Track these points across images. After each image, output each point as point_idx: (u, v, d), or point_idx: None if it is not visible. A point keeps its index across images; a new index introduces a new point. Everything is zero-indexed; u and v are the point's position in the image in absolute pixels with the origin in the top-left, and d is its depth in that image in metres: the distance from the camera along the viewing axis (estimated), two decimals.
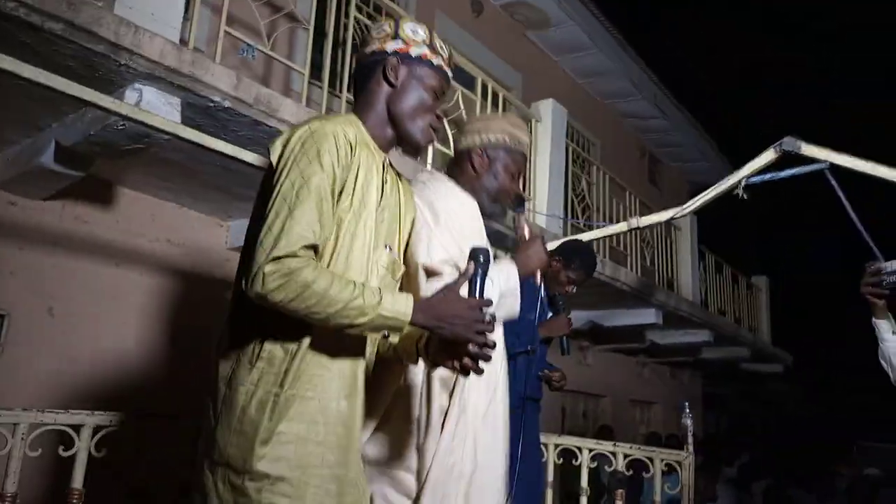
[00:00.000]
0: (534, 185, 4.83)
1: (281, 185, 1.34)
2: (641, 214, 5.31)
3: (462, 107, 3.98)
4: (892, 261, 2.43)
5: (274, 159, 1.40)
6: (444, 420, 1.74)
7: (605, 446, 3.23)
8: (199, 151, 2.66)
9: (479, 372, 1.42)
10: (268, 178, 1.43)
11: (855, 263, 2.57)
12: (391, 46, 1.56)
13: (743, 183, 2.92)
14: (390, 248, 1.60)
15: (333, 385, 1.40)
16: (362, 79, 1.59)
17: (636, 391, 8.84)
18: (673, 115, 9.29)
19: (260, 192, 1.46)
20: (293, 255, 1.27)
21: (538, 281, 2.04)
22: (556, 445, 3.25)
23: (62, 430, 2.17)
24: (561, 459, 3.27)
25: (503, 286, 1.80)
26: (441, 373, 1.77)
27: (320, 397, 1.38)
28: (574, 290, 3.00)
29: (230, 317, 1.44)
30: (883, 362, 2.60)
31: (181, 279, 3.71)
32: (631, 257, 6.14)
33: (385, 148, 1.59)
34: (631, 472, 3.14)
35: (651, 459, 3.08)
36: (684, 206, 3.13)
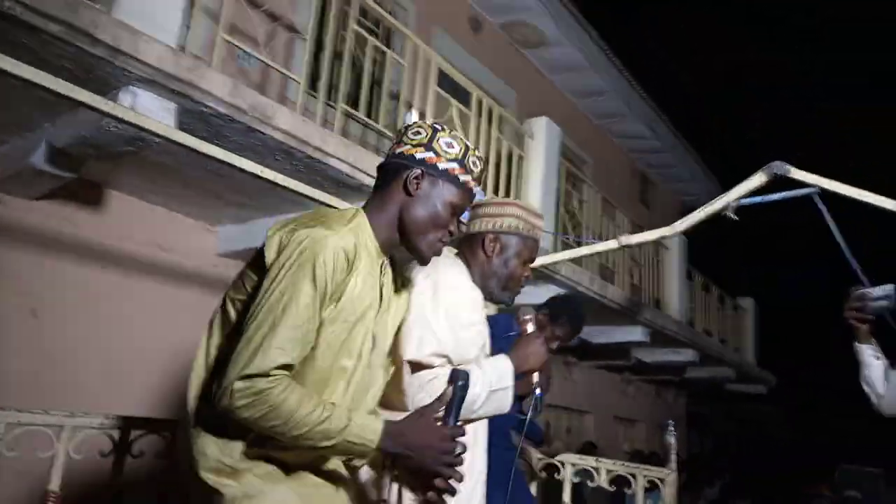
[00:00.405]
0: (526, 201, 4.85)
1: (270, 295, 1.30)
2: (631, 233, 5.36)
3: (457, 122, 4.01)
4: (877, 287, 2.46)
5: (269, 257, 1.35)
6: None
7: (588, 461, 3.23)
8: (191, 156, 2.66)
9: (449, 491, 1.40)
10: (260, 266, 1.38)
11: (841, 287, 2.60)
12: (420, 155, 1.49)
13: (733, 205, 2.95)
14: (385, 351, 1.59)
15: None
16: (384, 177, 1.53)
17: (621, 408, 8.86)
18: (665, 137, 9.39)
19: (243, 274, 1.45)
20: (265, 375, 1.26)
21: (534, 382, 1.99)
22: (539, 459, 3.25)
23: (41, 431, 2.15)
24: (544, 474, 3.27)
25: (494, 384, 1.77)
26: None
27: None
28: (556, 348, 2.95)
29: (193, 393, 1.42)
30: (865, 386, 2.62)
31: (169, 284, 3.69)
32: (619, 275, 6.18)
33: (387, 250, 1.53)
34: (614, 488, 3.13)
35: (633, 476, 3.08)
36: (673, 225, 3.16)
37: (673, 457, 3.02)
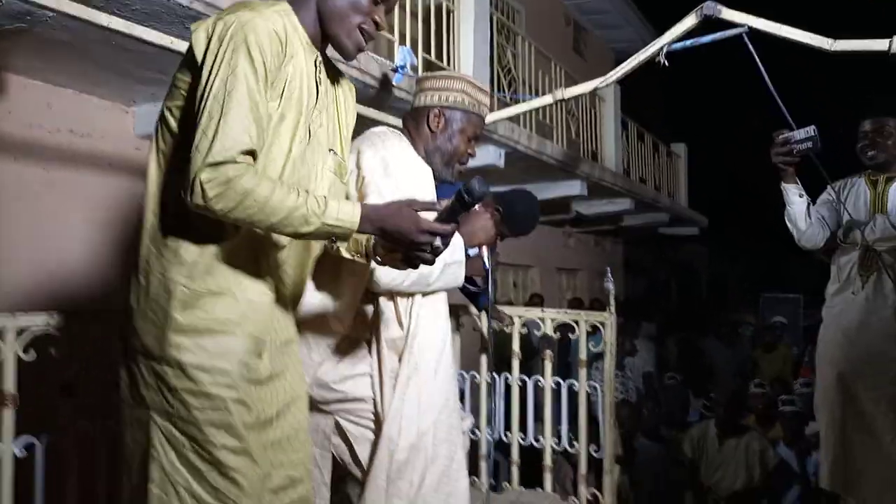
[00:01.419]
0: (458, 58, 4.68)
1: (211, 85, 1.25)
2: (567, 85, 5.29)
3: None
4: (800, 129, 2.53)
5: (198, 51, 1.29)
6: (396, 383, 1.81)
7: (534, 312, 3.40)
8: (90, 30, 2.41)
9: (425, 262, 1.43)
10: (190, 66, 1.32)
11: (768, 129, 2.67)
12: None
13: (664, 50, 2.92)
14: (334, 152, 1.54)
15: (256, 283, 1.40)
16: None
17: (563, 260, 9.23)
18: None
19: (178, 80, 1.36)
20: (231, 161, 1.21)
21: (484, 255, 2.02)
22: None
23: None
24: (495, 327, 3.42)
25: (448, 258, 1.78)
26: (390, 335, 1.83)
27: (237, 293, 1.37)
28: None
29: (150, 207, 1.38)
30: (789, 223, 2.78)
31: (88, 170, 3.50)
32: (557, 130, 6.17)
33: (318, 45, 1.46)
34: (559, 335, 3.32)
35: (577, 322, 3.26)
36: (607, 76, 3.12)
37: (612, 301, 3.19)
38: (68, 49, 2.84)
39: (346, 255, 1.61)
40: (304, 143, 1.42)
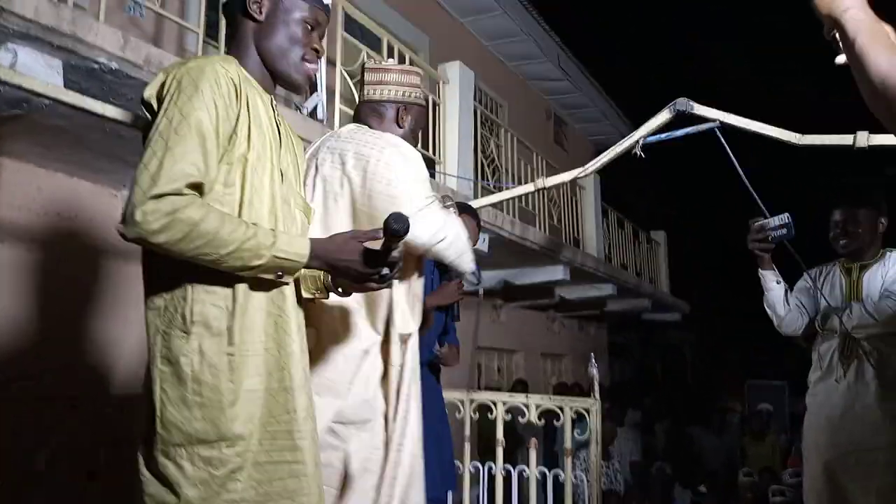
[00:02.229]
0: (443, 148, 4.84)
1: (158, 125, 1.25)
2: (548, 174, 5.45)
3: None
4: (775, 216, 2.62)
5: (153, 103, 1.31)
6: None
7: (518, 398, 3.36)
8: (85, 117, 2.48)
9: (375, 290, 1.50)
10: (146, 129, 1.33)
11: (744, 216, 2.75)
12: None
13: (640, 142, 3.04)
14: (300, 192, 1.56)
15: (279, 333, 1.37)
16: (228, 15, 1.49)
17: (547, 345, 9.17)
18: (576, 77, 9.49)
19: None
20: (177, 193, 1.19)
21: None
22: (472, 401, 3.34)
23: None
24: (477, 414, 3.37)
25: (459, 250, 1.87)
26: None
27: (269, 348, 1.34)
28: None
29: (148, 288, 1.34)
30: (768, 309, 2.83)
31: (74, 253, 3.50)
32: (539, 217, 6.30)
33: (269, 88, 1.49)
34: (543, 421, 3.27)
35: (561, 409, 3.22)
36: (586, 166, 3.23)
37: (596, 387, 3.17)
38: (62, 134, 2.91)
39: (305, 294, 1.57)
40: (279, 184, 1.42)
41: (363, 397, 1.77)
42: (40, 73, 2.28)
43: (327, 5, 1.54)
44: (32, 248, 3.34)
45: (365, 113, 1.99)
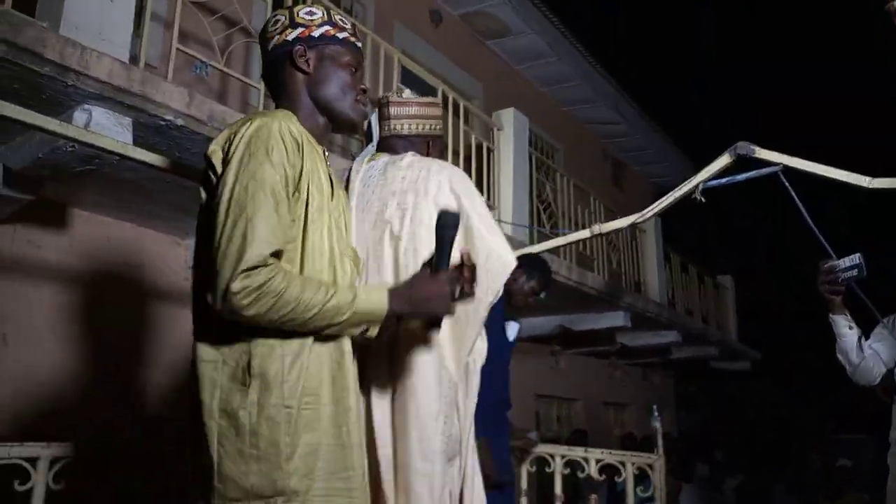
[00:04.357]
0: (498, 194, 4.85)
1: (232, 191, 1.26)
2: (606, 218, 5.36)
3: None
4: (845, 258, 2.49)
5: (217, 165, 1.33)
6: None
7: (577, 452, 3.24)
8: (152, 171, 2.60)
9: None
10: (207, 183, 1.36)
11: (814, 259, 2.63)
12: (292, 35, 1.50)
13: (700, 187, 2.96)
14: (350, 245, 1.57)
15: (336, 389, 1.36)
16: (274, 76, 1.53)
17: (609, 393, 8.90)
18: (633, 120, 9.43)
19: (203, 203, 1.38)
20: (263, 265, 1.21)
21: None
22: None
23: (17, 463, 2.10)
24: (534, 467, 3.26)
25: None
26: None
27: (326, 403, 1.33)
28: (534, 302, 3.08)
29: (196, 341, 1.33)
30: (840, 356, 2.66)
31: (141, 301, 3.63)
32: (598, 261, 6.19)
33: (320, 139, 1.53)
34: (603, 476, 3.14)
35: (623, 464, 3.09)
36: (644, 212, 3.16)
37: (660, 442, 3.03)
38: (131, 187, 3.05)
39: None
40: (335, 237, 1.44)
41: (450, 432, 1.71)
42: (112, 131, 2.41)
43: (360, 47, 1.60)
44: (101, 296, 3.48)
45: (394, 146, 1.98)
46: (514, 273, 1.76)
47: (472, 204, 1.72)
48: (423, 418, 1.61)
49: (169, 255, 3.79)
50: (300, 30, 1.50)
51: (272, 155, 1.29)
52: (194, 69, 2.90)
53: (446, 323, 1.63)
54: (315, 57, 1.50)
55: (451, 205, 1.69)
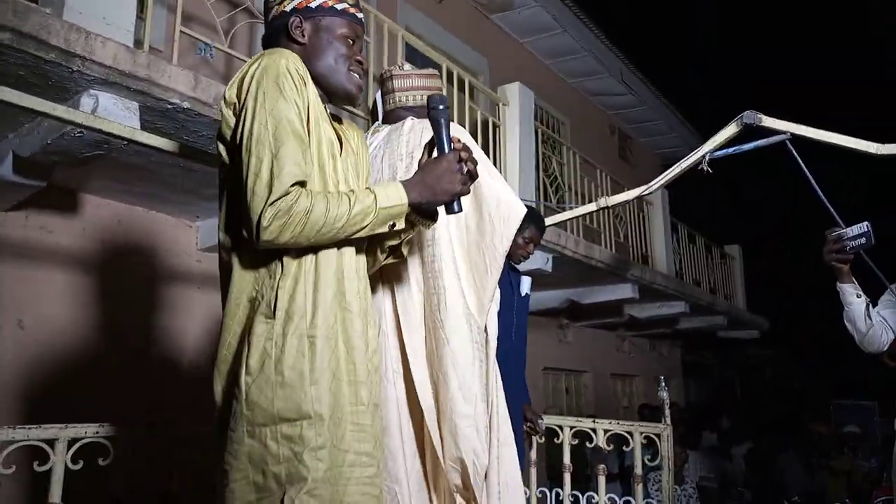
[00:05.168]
0: (504, 168, 4.84)
1: (252, 128, 1.32)
2: (613, 191, 5.36)
3: None
4: (853, 226, 2.49)
5: (234, 102, 1.38)
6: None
7: (585, 423, 3.28)
8: (160, 154, 2.62)
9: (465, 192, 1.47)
10: (226, 133, 1.41)
11: (821, 227, 2.63)
12: (290, 5, 1.51)
13: (707, 157, 2.96)
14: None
15: (357, 322, 1.43)
16: (272, 46, 1.53)
17: (617, 365, 8.96)
18: (640, 91, 9.34)
19: (221, 149, 1.43)
20: (286, 194, 1.28)
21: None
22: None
23: (36, 445, 2.15)
24: (543, 439, 3.31)
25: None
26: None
27: (346, 338, 1.40)
28: (532, 251, 3.11)
29: (229, 287, 1.41)
30: (848, 325, 2.67)
31: (153, 283, 3.67)
32: (605, 234, 6.19)
33: (323, 101, 1.55)
34: (611, 446, 3.19)
35: (630, 434, 3.13)
36: (651, 184, 3.16)
37: (667, 411, 3.07)
38: (140, 171, 3.08)
39: (385, 260, 1.64)
40: (330, 175, 1.48)
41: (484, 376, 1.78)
42: (119, 115, 2.42)
43: (361, 18, 1.59)
44: (113, 279, 3.52)
45: (400, 118, 2.01)
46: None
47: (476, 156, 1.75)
48: (461, 366, 1.70)
49: (180, 237, 3.83)
50: (297, 1, 1.51)
51: (284, 90, 1.35)
52: (199, 51, 2.90)
53: (466, 270, 1.66)
54: (311, 28, 1.52)
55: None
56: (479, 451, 1.68)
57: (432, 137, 1.47)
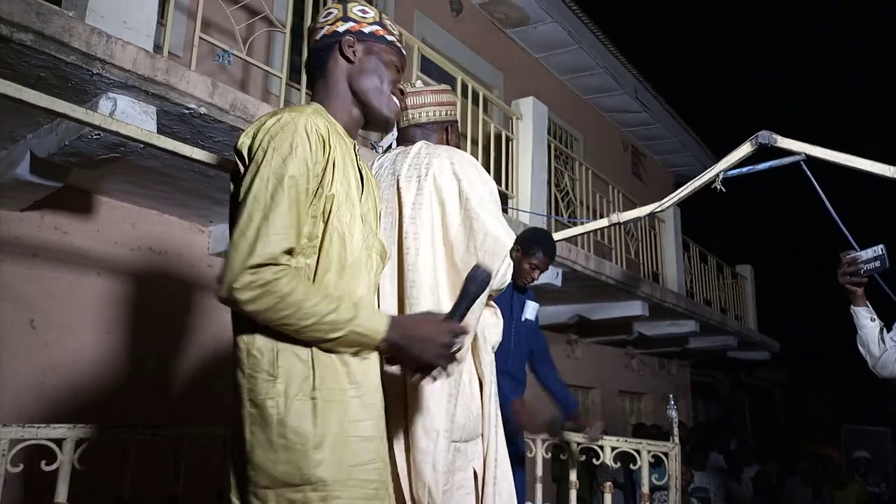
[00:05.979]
0: (516, 183, 4.85)
1: (252, 184, 1.28)
2: (625, 208, 5.34)
3: None
4: (867, 249, 2.47)
5: (244, 155, 1.36)
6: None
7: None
8: (176, 159, 2.64)
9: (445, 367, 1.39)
10: (236, 176, 1.38)
11: (834, 249, 2.61)
12: (343, 27, 1.54)
13: (721, 176, 2.95)
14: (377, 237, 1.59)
15: (371, 378, 1.38)
16: (319, 63, 1.55)
17: (625, 382, 8.89)
18: (654, 108, 9.34)
19: (232, 193, 1.41)
20: (272, 263, 1.22)
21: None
22: (544, 441, 3.26)
23: (44, 444, 2.16)
24: (549, 454, 3.29)
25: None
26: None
27: (361, 395, 1.34)
28: (538, 277, 3.10)
29: (235, 329, 1.37)
30: (861, 348, 2.64)
31: (164, 287, 3.69)
32: (616, 250, 6.18)
33: (352, 132, 1.55)
34: (618, 464, 3.16)
35: (638, 452, 3.10)
36: (663, 201, 3.15)
37: (675, 430, 3.04)
38: (155, 175, 3.10)
39: None
40: (364, 232, 1.46)
41: (474, 412, 1.75)
42: (136, 119, 2.44)
43: (404, 55, 1.63)
44: (125, 281, 3.54)
45: (414, 135, 2.01)
46: (511, 251, 1.79)
47: (471, 188, 1.75)
48: (425, 397, 1.64)
49: (192, 242, 3.85)
50: (351, 24, 1.54)
51: (296, 151, 1.31)
52: (217, 58, 2.92)
53: (448, 301, 1.64)
54: (363, 49, 1.54)
55: (451, 187, 1.75)
56: (434, 489, 1.61)
57: (461, 295, 1.39)
